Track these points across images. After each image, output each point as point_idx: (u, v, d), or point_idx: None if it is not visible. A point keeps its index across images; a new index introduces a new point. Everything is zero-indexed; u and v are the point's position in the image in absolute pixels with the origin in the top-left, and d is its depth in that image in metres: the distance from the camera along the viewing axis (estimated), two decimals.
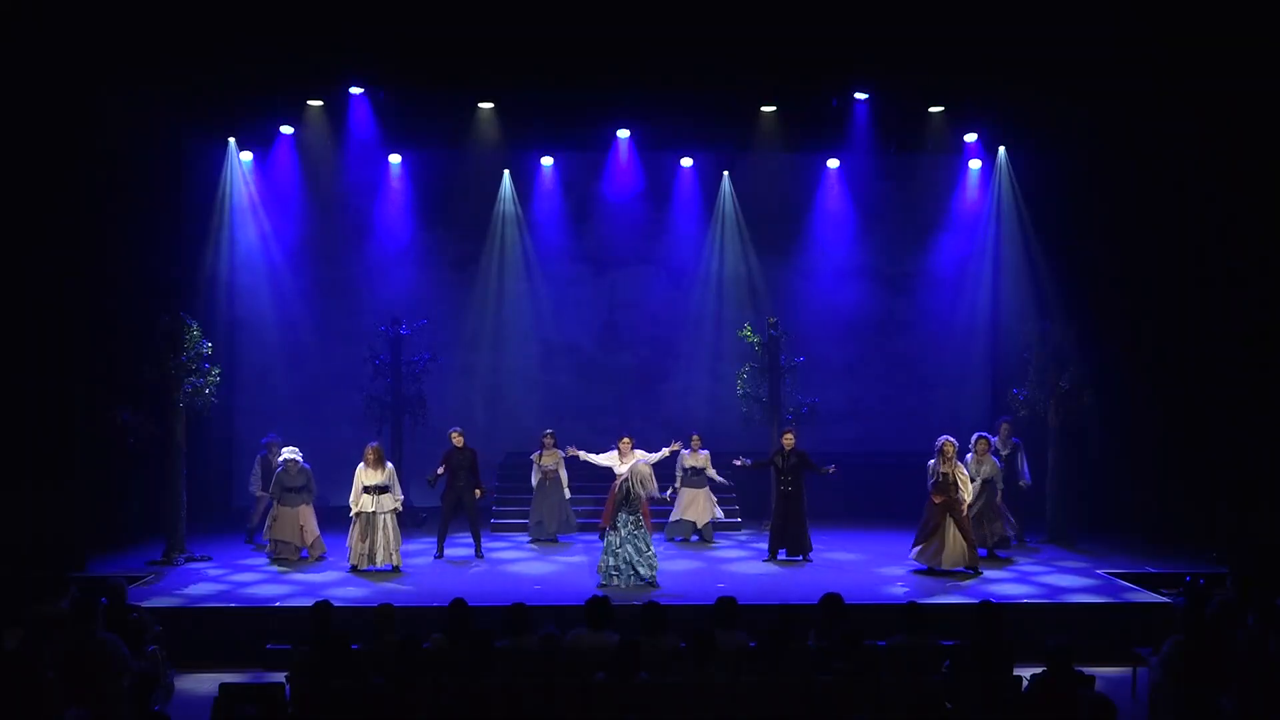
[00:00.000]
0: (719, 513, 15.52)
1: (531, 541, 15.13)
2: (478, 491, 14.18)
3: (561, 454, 15.24)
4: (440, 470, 14.24)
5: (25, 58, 12.59)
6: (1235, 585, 9.75)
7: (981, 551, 13.80)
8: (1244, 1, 12.89)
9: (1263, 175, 13.56)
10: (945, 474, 13.21)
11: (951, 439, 13.37)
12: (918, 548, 13.31)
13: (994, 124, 16.71)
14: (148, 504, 14.74)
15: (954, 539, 13.11)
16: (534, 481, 15.27)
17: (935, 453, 13.33)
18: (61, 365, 13.08)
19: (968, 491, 13.24)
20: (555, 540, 15.10)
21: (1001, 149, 17.18)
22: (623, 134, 17.24)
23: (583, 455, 15.00)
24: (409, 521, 15.16)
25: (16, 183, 12.86)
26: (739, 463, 14.60)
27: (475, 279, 18.56)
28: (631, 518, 12.56)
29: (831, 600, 8.93)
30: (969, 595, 11.90)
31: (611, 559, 12.46)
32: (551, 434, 15.43)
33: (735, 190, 18.54)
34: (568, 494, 15.33)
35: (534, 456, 15.41)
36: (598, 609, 8.78)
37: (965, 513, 13.21)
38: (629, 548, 12.45)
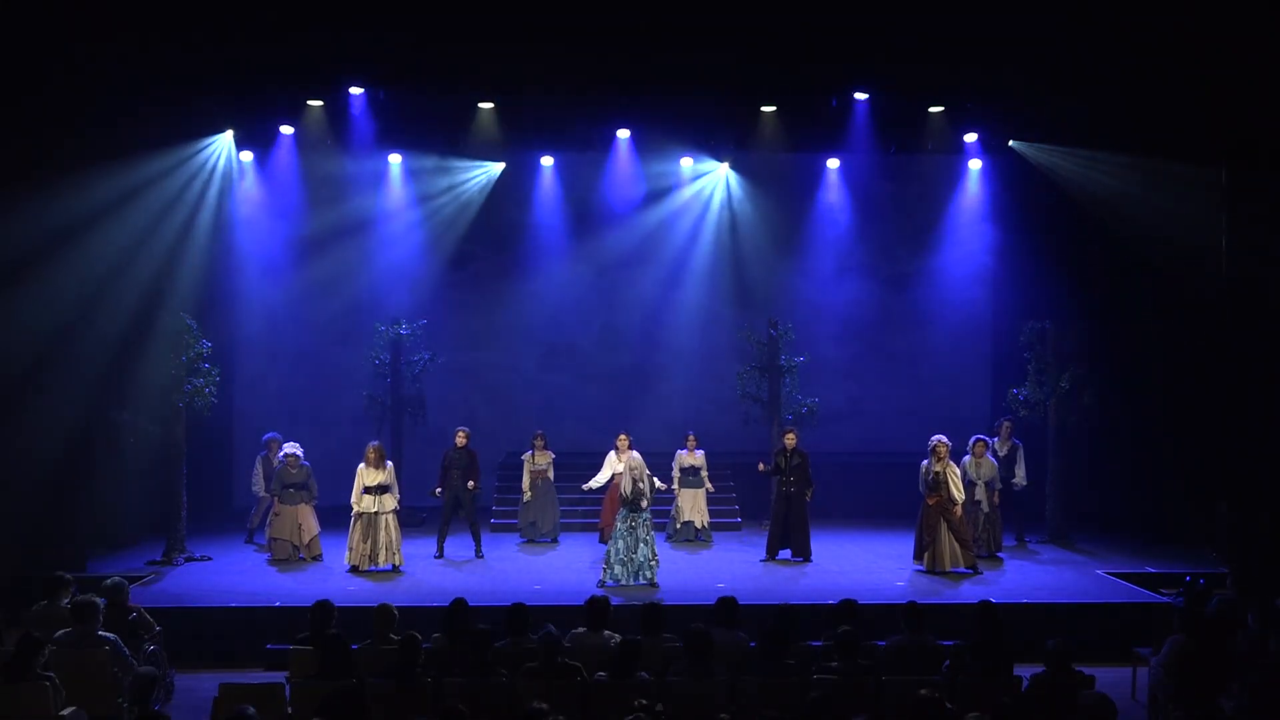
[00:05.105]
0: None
1: (525, 543, 15.08)
2: (471, 484, 14.14)
3: (552, 455, 15.25)
4: (439, 489, 14.26)
5: (24, 57, 12.59)
6: (1235, 585, 9.75)
7: (983, 554, 13.82)
8: None
9: (1265, 169, 13.54)
10: (939, 473, 13.20)
11: (944, 438, 13.36)
12: (919, 561, 13.32)
13: (994, 123, 16.67)
14: (148, 504, 14.72)
15: (950, 540, 13.11)
16: (525, 483, 15.21)
17: (928, 452, 13.34)
18: (61, 366, 13.07)
19: (960, 491, 13.20)
20: (552, 541, 15.07)
21: (1012, 143, 17.10)
22: (623, 134, 17.23)
23: (591, 485, 14.78)
24: (409, 521, 15.15)
25: (15, 183, 12.84)
26: (763, 468, 14.57)
27: (475, 279, 18.55)
28: (643, 516, 12.50)
29: (845, 606, 8.93)
30: (969, 595, 11.90)
31: (619, 568, 12.37)
32: (542, 435, 15.41)
33: (735, 190, 18.51)
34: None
35: (525, 457, 15.38)
36: (598, 609, 8.79)
37: (960, 512, 13.19)
38: (645, 548, 12.41)
